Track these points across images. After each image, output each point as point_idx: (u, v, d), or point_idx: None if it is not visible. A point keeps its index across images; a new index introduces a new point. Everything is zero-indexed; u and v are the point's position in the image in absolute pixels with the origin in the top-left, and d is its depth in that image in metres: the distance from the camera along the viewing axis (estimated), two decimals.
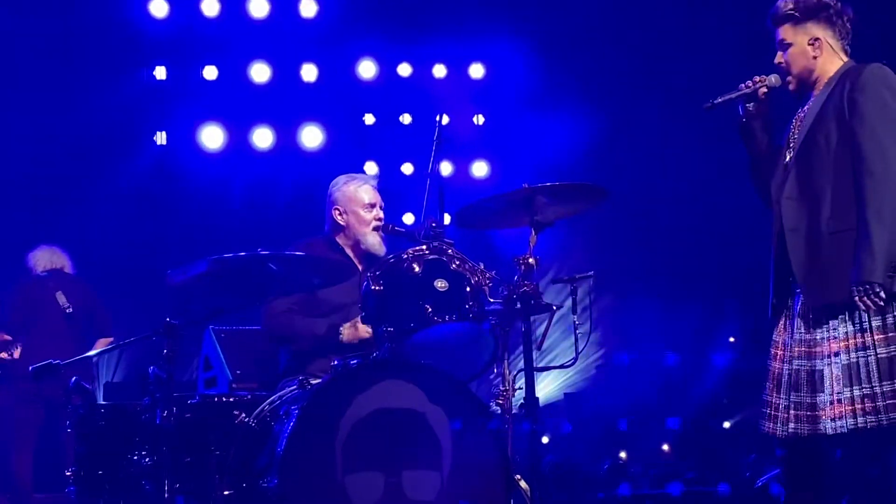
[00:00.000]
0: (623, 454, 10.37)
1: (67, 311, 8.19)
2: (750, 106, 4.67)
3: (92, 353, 5.77)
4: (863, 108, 4.35)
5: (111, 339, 8.04)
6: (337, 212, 5.77)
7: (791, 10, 4.57)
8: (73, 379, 5.25)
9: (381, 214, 5.78)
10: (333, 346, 5.36)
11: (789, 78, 4.62)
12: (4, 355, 8.07)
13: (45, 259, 8.41)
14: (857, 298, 4.24)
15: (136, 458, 5.05)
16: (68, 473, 5.16)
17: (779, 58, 4.64)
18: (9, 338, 8.14)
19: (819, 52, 4.55)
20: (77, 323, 8.24)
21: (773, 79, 4.64)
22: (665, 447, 10.39)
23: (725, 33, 9.73)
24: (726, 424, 10.36)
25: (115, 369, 8.25)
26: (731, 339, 11.17)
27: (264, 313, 5.57)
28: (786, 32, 4.59)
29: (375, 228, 5.71)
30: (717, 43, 9.80)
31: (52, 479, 6.01)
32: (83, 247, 8.64)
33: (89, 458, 5.13)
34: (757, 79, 4.65)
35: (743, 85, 4.66)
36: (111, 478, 5.11)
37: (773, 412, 4.49)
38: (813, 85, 4.58)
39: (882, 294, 4.21)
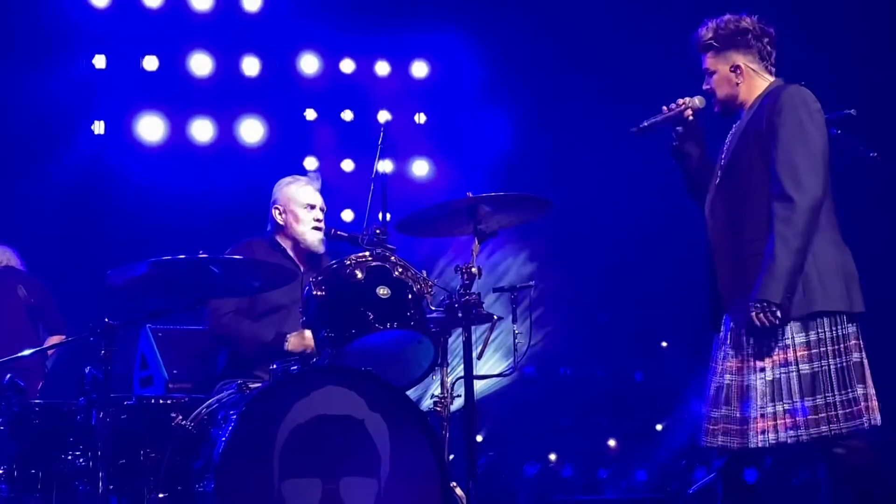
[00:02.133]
0: (553, 456, 10.49)
1: (29, 303, 8.07)
2: (679, 129, 4.74)
3: (28, 351, 5.69)
4: (779, 131, 4.42)
5: (63, 337, 7.95)
6: (277, 211, 5.81)
7: (710, 38, 4.67)
8: (8, 376, 5.18)
9: (321, 216, 5.81)
10: (278, 352, 5.34)
11: (715, 102, 4.71)
12: None
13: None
14: (753, 315, 4.31)
15: (70, 458, 4.99)
16: (0, 471, 5.08)
17: (706, 83, 4.74)
18: None
19: (741, 79, 4.64)
20: (34, 318, 8.14)
21: (698, 101, 4.73)
22: (612, 442, 10.53)
23: (675, 35, 9.79)
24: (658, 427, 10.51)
25: (51, 367, 8.13)
26: (664, 344, 11.32)
27: (210, 314, 5.55)
28: (708, 60, 4.70)
29: (315, 229, 5.73)
30: (668, 45, 9.84)
31: None
32: (16, 241, 8.50)
33: (22, 457, 5.05)
34: (681, 101, 4.73)
35: (666, 108, 4.73)
36: (44, 477, 5.03)
37: (709, 426, 4.56)
38: (740, 107, 4.67)
39: (779, 314, 4.28)
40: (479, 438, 9.47)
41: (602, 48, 10.36)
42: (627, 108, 9.69)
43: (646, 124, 4.72)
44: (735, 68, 4.63)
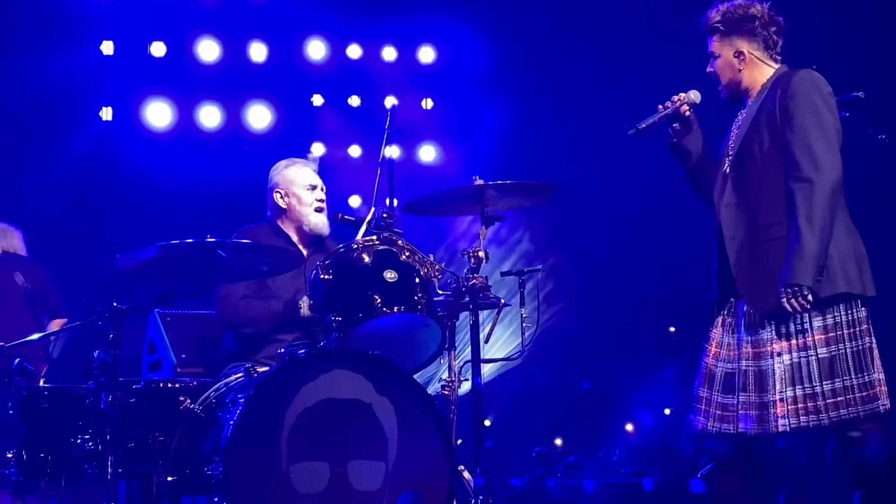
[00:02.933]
0: (558, 441, 10.51)
1: (27, 289, 8.09)
2: (676, 125, 4.73)
3: (36, 336, 5.70)
4: (794, 115, 4.42)
5: (65, 321, 7.97)
6: (278, 195, 5.73)
7: (718, 22, 4.66)
8: (17, 360, 5.19)
9: (323, 196, 5.74)
10: (294, 323, 5.30)
11: (721, 87, 4.71)
12: None
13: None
14: (784, 300, 4.31)
15: (79, 441, 4.99)
16: (10, 455, 5.10)
17: (709, 67, 4.74)
18: None
19: (744, 65, 4.64)
20: (33, 304, 8.15)
21: (693, 95, 4.71)
22: (629, 427, 10.55)
23: (679, 22, 9.76)
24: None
25: (58, 352, 8.15)
26: (672, 329, 11.32)
27: (219, 299, 5.51)
28: (714, 44, 4.70)
29: (318, 210, 5.68)
30: (672, 30, 9.83)
31: None
32: (24, 226, 8.52)
33: (31, 441, 5.06)
34: (676, 98, 4.72)
35: (661, 106, 4.72)
36: (53, 461, 5.04)
37: (704, 407, 4.56)
38: (745, 94, 4.67)
39: (809, 297, 4.29)
40: (486, 423, 9.50)
41: (608, 34, 10.37)
42: (633, 94, 9.78)
43: (643, 126, 4.70)
44: (738, 54, 4.63)
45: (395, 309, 4.84)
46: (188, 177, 9.69)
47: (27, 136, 9.54)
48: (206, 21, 10.17)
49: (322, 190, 5.76)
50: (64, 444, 5.03)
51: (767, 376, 4.39)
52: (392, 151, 5.68)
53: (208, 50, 10.15)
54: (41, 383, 6.10)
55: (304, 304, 5.23)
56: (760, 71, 4.63)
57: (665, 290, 10.48)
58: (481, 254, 4.86)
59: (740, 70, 4.64)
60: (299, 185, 5.71)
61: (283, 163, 5.84)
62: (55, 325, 8.00)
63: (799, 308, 4.30)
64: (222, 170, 9.82)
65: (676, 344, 10.83)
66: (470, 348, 4.94)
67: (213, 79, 10.19)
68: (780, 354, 4.38)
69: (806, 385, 4.34)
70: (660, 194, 9.88)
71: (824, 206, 4.31)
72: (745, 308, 4.51)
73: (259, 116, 10.34)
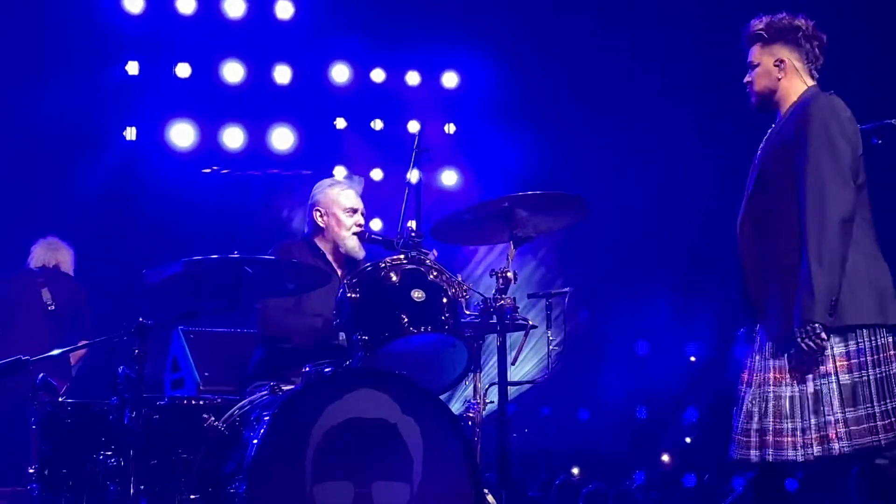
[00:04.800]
0: (575, 470, 10.44)
1: (50, 308, 8.09)
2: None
3: (56, 351, 5.67)
4: (808, 143, 4.37)
5: (87, 342, 7.96)
6: (318, 213, 5.72)
7: (761, 30, 4.62)
8: (41, 375, 5.18)
9: (362, 220, 5.74)
10: (329, 343, 5.23)
11: (752, 94, 4.68)
12: None
13: (40, 255, 8.31)
14: (799, 340, 4.27)
15: (101, 458, 4.99)
16: (31, 470, 5.09)
17: (747, 76, 4.69)
18: None
19: (783, 74, 4.59)
20: (59, 322, 8.10)
21: None
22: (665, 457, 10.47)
23: (702, 45, 9.76)
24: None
25: (75, 371, 8.15)
26: (692, 359, 11.22)
27: (260, 313, 5.50)
28: (754, 52, 4.65)
29: (355, 234, 5.67)
30: (690, 54, 9.85)
31: (13, 475, 5.94)
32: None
33: (53, 456, 5.06)
34: None
35: None
36: (75, 477, 5.05)
37: (742, 437, 4.51)
38: (776, 105, 4.62)
39: (822, 334, 4.24)
40: None
41: (631, 60, 10.34)
42: (654, 120, 9.77)
43: None
44: (779, 62, 4.58)
45: (422, 329, 4.82)
46: (211, 197, 9.70)
47: (54, 154, 9.57)
48: (232, 43, 10.19)
49: (362, 214, 5.75)
50: (86, 460, 5.04)
51: (790, 403, 4.35)
52: (414, 176, 5.65)
53: (233, 72, 10.17)
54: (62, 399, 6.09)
55: (342, 336, 5.21)
56: (796, 84, 4.58)
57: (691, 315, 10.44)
58: (510, 274, 4.82)
59: (779, 79, 4.59)
60: (340, 207, 5.70)
61: (326, 181, 5.85)
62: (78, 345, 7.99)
63: (814, 346, 4.25)
64: (245, 190, 9.83)
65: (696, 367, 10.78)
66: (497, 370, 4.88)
67: (238, 100, 10.20)
68: (802, 382, 4.34)
69: (827, 413, 4.28)
70: (684, 215, 9.90)
71: (833, 241, 4.26)
72: (764, 334, 4.48)
73: (282, 138, 10.35)
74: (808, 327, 4.23)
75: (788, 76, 4.59)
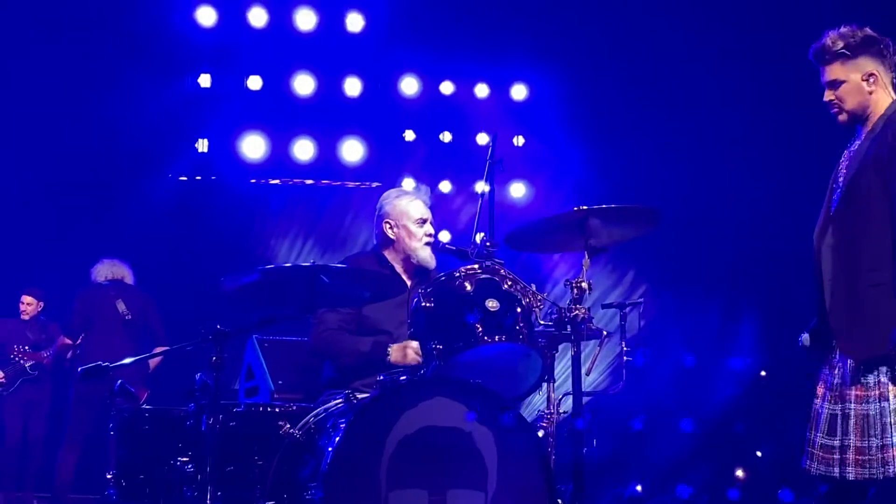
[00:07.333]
0: (639, 487, 10.34)
1: (127, 318, 8.33)
2: None
3: (130, 359, 5.74)
4: None
5: (166, 348, 8.10)
6: (388, 225, 5.69)
7: (841, 47, 4.47)
8: (119, 382, 5.23)
9: (432, 230, 5.72)
10: (378, 364, 5.30)
11: (840, 112, 4.53)
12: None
13: (105, 270, 8.64)
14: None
15: (178, 464, 5.00)
16: (109, 476, 5.14)
17: (828, 95, 4.54)
18: (69, 342, 8.34)
19: (874, 87, 4.47)
20: (135, 330, 8.38)
21: None
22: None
23: (775, 55, 9.68)
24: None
25: (156, 375, 8.30)
26: (762, 373, 11.08)
27: (314, 326, 5.51)
28: (835, 71, 4.50)
29: (427, 244, 5.65)
30: (762, 65, 9.76)
31: (95, 481, 6.03)
32: (125, 253, 8.70)
33: (131, 462, 5.11)
34: None
35: None
36: (152, 483, 5.09)
37: (809, 448, 4.47)
38: (865, 120, 4.51)
39: None
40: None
41: (699, 71, 10.28)
42: (721, 128, 9.67)
43: None
44: (869, 76, 4.46)
45: (497, 338, 4.81)
46: (282, 206, 9.79)
47: (128, 166, 9.72)
48: (303, 56, 10.31)
49: (431, 224, 5.73)
50: (163, 466, 5.07)
51: (871, 421, 4.28)
52: (482, 187, 5.65)
53: (304, 84, 10.28)
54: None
55: (394, 352, 5.24)
56: (882, 98, 4.48)
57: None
58: (584, 284, 4.80)
59: (870, 92, 4.47)
60: (410, 217, 5.67)
61: (393, 192, 5.82)
62: (155, 352, 8.15)
63: None
64: (315, 202, 9.90)
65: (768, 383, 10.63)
66: (571, 380, 4.87)
67: (308, 112, 10.29)
68: (886, 399, 4.27)
69: None
70: (759, 221, 9.80)
71: None
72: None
73: (352, 150, 10.43)
74: None
75: (879, 89, 4.48)
